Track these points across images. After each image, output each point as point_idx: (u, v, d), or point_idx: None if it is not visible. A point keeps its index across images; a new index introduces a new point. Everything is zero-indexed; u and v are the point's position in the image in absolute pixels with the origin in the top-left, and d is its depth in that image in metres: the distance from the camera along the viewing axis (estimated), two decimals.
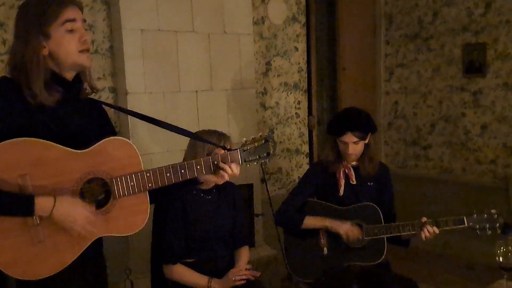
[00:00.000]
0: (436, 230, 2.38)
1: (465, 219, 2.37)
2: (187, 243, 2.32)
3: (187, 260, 2.33)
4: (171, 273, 2.30)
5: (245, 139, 1.85)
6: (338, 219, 2.55)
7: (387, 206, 2.62)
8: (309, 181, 2.72)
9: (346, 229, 2.51)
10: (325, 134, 5.09)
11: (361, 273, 2.53)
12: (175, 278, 2.31)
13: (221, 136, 2.30)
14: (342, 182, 2.60)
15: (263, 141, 1.84)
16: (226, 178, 1.84)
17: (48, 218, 1.48)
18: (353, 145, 2.50)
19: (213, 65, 3.55)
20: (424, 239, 2.39)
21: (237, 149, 1.83)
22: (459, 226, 2.38)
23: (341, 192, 2.60)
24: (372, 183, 2.63)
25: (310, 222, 2.58)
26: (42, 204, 1.46)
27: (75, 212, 1.51)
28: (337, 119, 2.66)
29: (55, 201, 1.47)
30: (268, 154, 1.85)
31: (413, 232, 2.42)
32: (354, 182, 2.60)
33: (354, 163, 2.61)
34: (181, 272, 2.29)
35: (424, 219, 2.40)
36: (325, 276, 2.54)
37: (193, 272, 2.29)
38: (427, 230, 2.37)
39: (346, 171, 2.60)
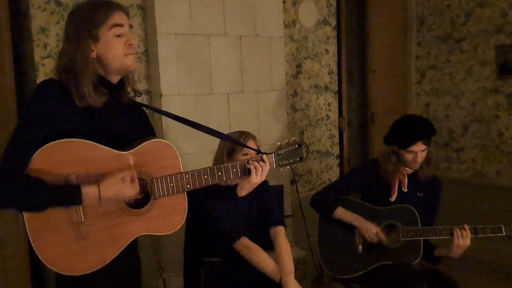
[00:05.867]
0: (468, 241, 2.38)
1: (503, 228, 2.38)
2: (215, 242, 2.36)
3: (214, 259, 2.37)
4: (243, 247, 2.27)
5: (279, 143, 1.89)
6: (370, 219, 2.57)
7: (428, 219, 2.61)
8: (357, 178, 2.71)
9: (370, 233, 2.52)
10: (356, 137, 5.09)
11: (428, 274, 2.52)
12: (246, 253, 2.26)
13: (243, 133, 2.33)
14: (396, 188, 2.60)
15: (296, 146, 1.89)
16: (259, 179, 1.87)
17: (93, 215, 1.53)
18: (422, 153, 2.49)
19: (244, 67, 3.59)
20: (457, 241, 2.38)
21: (271, 153, 1.87)
22: (497, 235, 2.39)
23: (393, 198, 2.60)
24: (421, 194, 2.63)
25: (341, 214, 2.61)
26: (89, 192, 1.49)
27: (122, 186, 1.54)
28: (404, 130, 2.54)
29: (99, 188, 1.50)
30: (301, 158, 1.90)
31: (450, 236, 2.42)
32: (406, 190, 2.60)
33: (411, 170, 2.59)
34: (248, 244, 2.27)
35: (466, 226, 2.41)
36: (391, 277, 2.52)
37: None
38: (461, 232, 2.37)
39: (401, 177, 2.60)
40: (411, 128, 2.51)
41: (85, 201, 1.50)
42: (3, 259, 2.91)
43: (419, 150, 2.47)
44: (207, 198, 2.21)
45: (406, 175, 2.60)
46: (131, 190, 1.56)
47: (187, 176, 1.68)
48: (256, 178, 1.84)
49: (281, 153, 1.88)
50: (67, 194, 1.48)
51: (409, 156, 2.50)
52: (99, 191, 1.50)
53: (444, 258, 2.56)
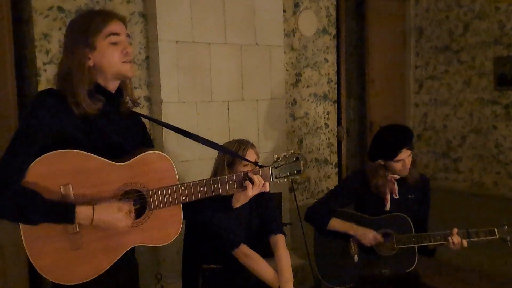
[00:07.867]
0: (465, 243, 2.39)
1: (496, 231, 2.38)
2: (214, 249, 2.37)
3: (213, 266, 2.38)
4: (242, 255, 2.30)
5: (276, 156, 1.89)
6: (365, 227, 2.57)
7: (421, 220, 2.63)
8: (349, 190, 2.73)
9: (368, 237, 2.53)
10: (354, 146, 5.11)
11: (394, 281, 2.53)
12: (245, 260, 2.29)
13: (242, 143, 2.35)
14: (389, 197, 2.61)
15: (294, 159, 1.88)
16: (254, 192, 1.84)
17: (89, 226, 1.54)
18: (409, 158, 2.53)
19: (244, 76, 3.62)
20: (452, 246, 2.40)
21: (268, 166, 1.87)
22: (490, 238, 2.39)
23: (388, 207, 2.62)
24: (412, 196, 2.65)
25: (336, 224, 2.62)
26: (83, 213, 1.51)
27: (115, 214, 1.56)
28: (387, 142, 2.57)
29: (93, 210, 1.52)
30: (299, 171, 1.89)
31: (444, 242, 2.43)
32: (397, 197, 2.62)
33: (398, 176, 2.61)
34: (247, 252, 2.30)
35: (455, 230, 2.41)
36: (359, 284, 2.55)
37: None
38: (454, 239, 2.38)
39: (391, 185, 2.61)
40: (393, 138, 2.55)
41: (77, 220, 1.51)
42: (1, 265, 2.91)
43: (406, 156, 2.51)
44: (202, 208, 2.22)
45: (395, 182, 2.62)
46: (124, 222, 1.58)
47: (183, 188, 1.68)
48: (252, 192, 1.82)
49: (279, 166, 1.87)
50: (61, 212, 1.50)
51: (397, 165, 2.53)
52: (93, 213, 1.52)
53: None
